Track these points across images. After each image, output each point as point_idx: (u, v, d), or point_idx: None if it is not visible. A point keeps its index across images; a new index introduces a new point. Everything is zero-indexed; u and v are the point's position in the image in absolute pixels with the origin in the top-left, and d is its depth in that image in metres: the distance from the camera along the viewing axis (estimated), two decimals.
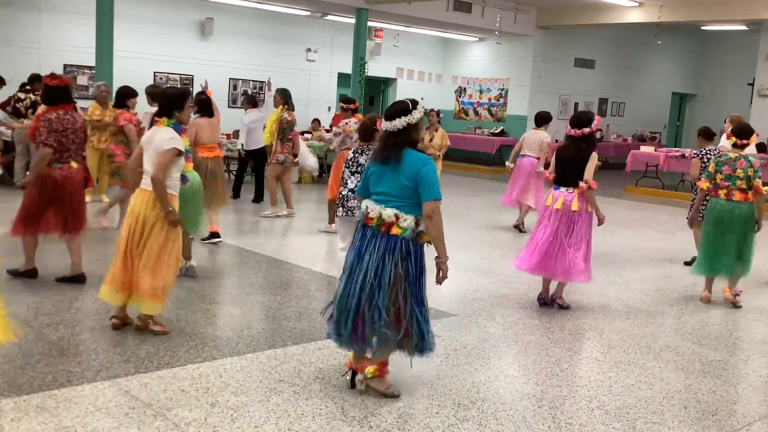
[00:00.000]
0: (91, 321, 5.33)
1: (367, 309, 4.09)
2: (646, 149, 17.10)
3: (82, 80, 15.07)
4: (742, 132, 6.68)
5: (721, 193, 6.67)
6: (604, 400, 4.41)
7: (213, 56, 16.80)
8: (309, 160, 11.39)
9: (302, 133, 11.59)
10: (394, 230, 4.10)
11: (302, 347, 5.00)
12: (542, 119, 10.14)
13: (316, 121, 15.54)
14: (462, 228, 9.92)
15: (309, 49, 18.36)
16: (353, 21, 15.82)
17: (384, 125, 4.22)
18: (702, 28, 19.82)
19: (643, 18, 16.61)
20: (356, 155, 6.08)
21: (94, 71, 12.89)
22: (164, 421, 3.77)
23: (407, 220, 4.10)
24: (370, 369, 4.24)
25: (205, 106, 8.07)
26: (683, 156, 15.30)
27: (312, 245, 8.64)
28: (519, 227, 10.18)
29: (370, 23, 16.54)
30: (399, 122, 4.15)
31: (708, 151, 8.36)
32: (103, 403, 3.93)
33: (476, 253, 8.56)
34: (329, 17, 17.56)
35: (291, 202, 10.25)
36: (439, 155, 11.63)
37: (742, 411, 4.43)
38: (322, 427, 3.82)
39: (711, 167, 6.80)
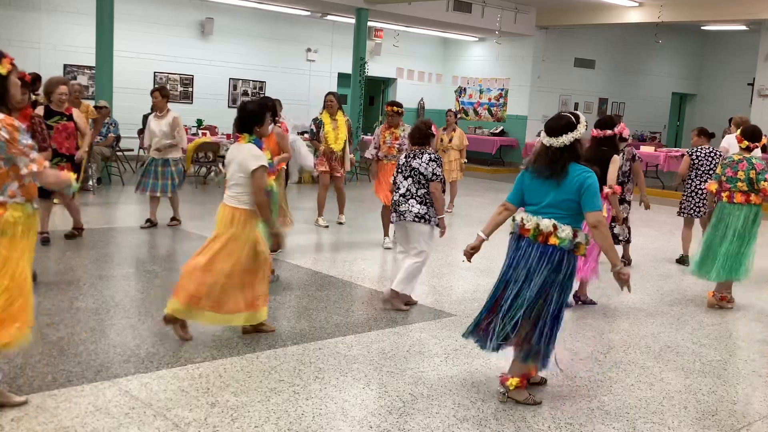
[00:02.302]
0: (91, 321, 5.33)
1: (529, 317, 4.13)
2: (646, 149, 17.10)
3: (82, 80, 15.08)
4: (753, 134, 6.65)
5: (724, 195, 6.66)
6: (604, 400, 4.41)
7: (213, 56, 16.81)
8: (308, 160, 11.37)
9: (302, 133, 11.55)
10: (552, 240, 4.11)
11: (302, 347, 5.00)
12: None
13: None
14: (462, 228, 9.91)
15: (309, 49, 18.36)
16: (353, 21, 15.82)
17: (547, 140, 4.18)
18: (702, 28, 19.81)
19: (643, 18, 16.61)
20: (409, 159, 6.01)
21: (94, 71, 12.91)
22: (164, 421, 3.77)
23: (565, 231, 4.12)
24: (512, 381, 4.27)
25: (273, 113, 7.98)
26: (683, 156, 15.29)
27: (311, 245, 8.65)
28: None
29: (370, 23, 16.54)
30: (566, 138, 4.13)
31: (699, 149, 8.44)
32: (103, 403, 3.93)
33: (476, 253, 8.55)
34: (329, 17, 17.56)
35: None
36: (462, 160, 11.50)
37: (742, 411, 4.43)
38: (322, 427, 3.82)
39: (718, 169, 6.78)
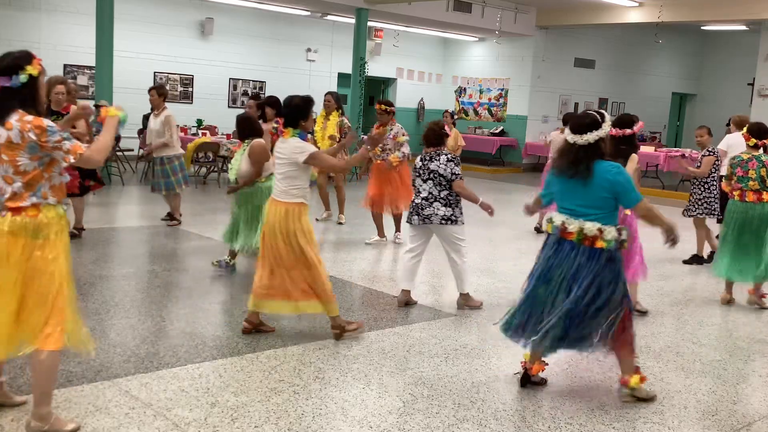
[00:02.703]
0: (91, 321, 5.33)
1: (588, 320, 4.16)
2: (646, 149, 17.09)
3: (82, 80, 15.07)
4: (760, 131, 6.64)
5: (736, 195, 6.66)
6: (604, 400, 4.41)
7: (213, 56, 16.81)
8: None
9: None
10: (599, 243, 4.14)
11: (302, 347, 5.00)
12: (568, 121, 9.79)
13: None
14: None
15: (309, 49, 18.36)
16: (353, 21, 15.82)
17: (572, 138, 4.21)
18: (702, 28, 19.81)
19: (643, 18, 16.60)
20: (426, 162, 6.01)
21: (94, 71, 12.91)
22: (164, 421, 3.77)
23: (611, 232, 4.15)
24: (635, 379, 4.31)
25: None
26: (683, 156, 15.27)
27: None
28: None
29: (370, 23, 16.54)
30: (591, 136, 4.16)
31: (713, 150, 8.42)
32: (103, 403, 3.93)
33: (476, 253, 8.55)
34: (329, 17, 17.56)
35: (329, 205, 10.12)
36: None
37: (742, 411, 4.43)
38: (322, 427, 3.82)
39: (728, 169, 6.77)
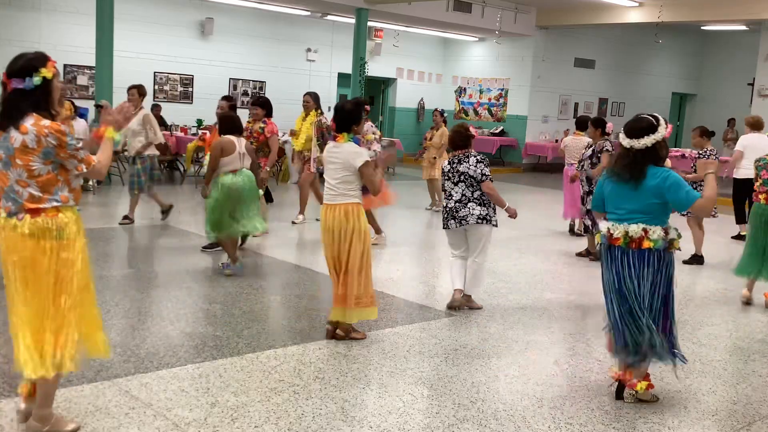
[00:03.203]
0: None
1: (656, 324, 4.20)
2: None
3: (82, 80, 15.08)
4: None
5: (761, 197, 6.64)
6: (604, 400, 4.41)
7: (213, 56, 16.81)
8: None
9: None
10: (646, 244, 4.12)
11: (302, 347, 5.00)
12: (582, 123, 9.53)
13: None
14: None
15: (309, 49, 18.36)
16: (353, 21, 15.83)
17: (627, 142, 4.19)
18: (702, 28, 19.82)
19: (643, 18, 16.60)
20: (454, 165, 6.02)
21: (94, 71, 12.91)
22: (164, 421, 3.77)
23: (657, 232, 4.14)
24: (642, 384, 4.32)
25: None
26: (683, 156, 15.29)
27: (311, 245, 8.64)
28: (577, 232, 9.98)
29: (370, 23, 16.54)
30: (648, 140, 4.14)
31: (710, 151, 8.40)
32: (103, 403, 3.93)
33: None
34: (329, 17, 17.56)
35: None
36: (438, 158, 11.48)
37: (742, 411, 4.43)
38: (322, 427, 3.82)
39: (762, 173, 6.74)
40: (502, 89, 20.11)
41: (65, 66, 14.76)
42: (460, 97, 21.15)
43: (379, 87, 20.65)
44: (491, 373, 4.74)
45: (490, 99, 20.46)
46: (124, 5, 14.39)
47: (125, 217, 9.13)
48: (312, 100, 9.55)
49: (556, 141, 14.10)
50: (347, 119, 5.10)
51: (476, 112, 20.80)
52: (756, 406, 4.52)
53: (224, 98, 9.00)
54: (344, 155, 5.04)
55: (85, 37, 13.62)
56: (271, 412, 3.95)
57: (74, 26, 14.57)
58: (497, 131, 19.78)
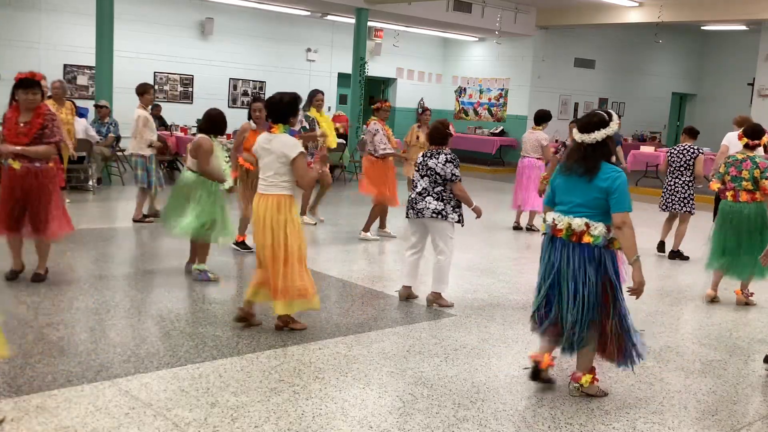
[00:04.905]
0: (91, 321, 5.33)
1: (576, 318, 4.19)
2: (646, 149, 17.10)
3: (82, 80, 15.08)
4: (754, 132, 6.69)
5: (729, 194, 6.70)
6: (604, 400, 4.41)
7: (213, 56, 16.81)
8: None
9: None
10: (586, 239, 4.14)
11: (302, 347, 5.00)
12: (540, 118, 10.03)
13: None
14: (462, 228, 9.90)
15: (309, 49, 18.36)
16: (353, 21, 15.83)
17: (579, 137, 4.23)
18: (702, 28, 19.81)
19: (643, 18, 16.61)
20: (426, 158, 6.06)
21: (94, 71, 12.91)
22: (164, 421, 3.77)
23: (598, 228, 4.14)
24: (587, 378, 4.35)
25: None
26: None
27: (310, 245, 8.65)
28: (530, 227, 10.13)
29: (370, 23, 16.55)
30: (599, 134, 4.17)
31: (674, 147, 8.78)
32: (103, 403, 3.93)
33: (476, 253, 8.56)
34: (329, 17, 17.56)
35: (316, 210, 9.96)
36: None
37: (742, 411, 4.43)
38: (322, 427, 3.82)
39: (722, 168, 6.82)
40: (502, 89, 20.11)
41: (65, 66, 14.75)
42: (460, 97, 21.15)
43: (379, 87, 20.65)
44: (491, 373, 4.74)
45: (490, 99, 20.47)
46: (124, 5, 14.39)
47: (146, 216, 9.24)
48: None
49: (556, 141, 14.13)
50: (283, 111, 5.16)
51: (476, 112, 20.81)
52: (756, 406, 4.52)
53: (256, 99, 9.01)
54: (278, 146, 5.07)
55: (85, 37, 13.62)
56: (271, 412, 3.95)
57: (74, 26, 14.57)
58: (497, 131, 19.78)
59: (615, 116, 4.28)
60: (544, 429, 3.97)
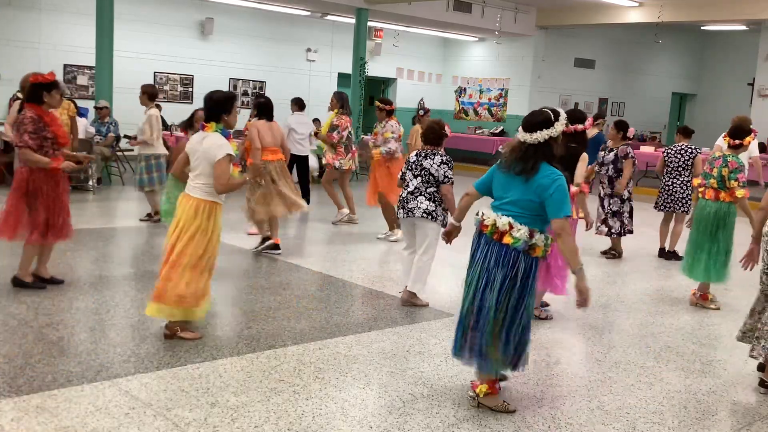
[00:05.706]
0: (91, 321, 5.33)
1: (476, 320, 4.02)
2: (646, 149, 17.10)
3: (82, 80, 15.08)
4: (736, 132, 6.62)
5: (699, 192, 6.69)
6: (604, 400, 4.41)
7: (213, 56, 16.81)
8: (309, 160, 11.39)
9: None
10: (506, 239, 3.96)
11: (302, 347, 4.99)
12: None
13: (317, 121, 15.54)
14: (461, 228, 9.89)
15: (309, 49, 18.37)
16: (353, 21, 15.83)
17: (522, 135, 4.07)
18: (702, 28, 19.82)
19: (643, 18, 16.61)
20: (420, 158, 6.03)
21: (94, 71, 12.91)
22: (164, 421, 3.77)
23: (520, 231, 3.94)
24: (482, 388, 4.15)
25: (263, 109, 7.84)
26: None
27: (311, 245, 8.65)
28: None
29: (370, 23, 16.55)
30: (539, 135, 4.00)
31: (671, 147, 8.85)
32: (103, 403, 3.93)
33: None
34: (329, 17, 17.57)
35: (353, 208, 9.90)
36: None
37: (742, 411, 4.43)
38: (322, 427, 3.82)
39: (706, 166, 6.82)
40: (502, 89, 20.11)
41: (65, 66, 14.76)
42: (460, 97, 21.15)
43: (379, 87, 20.65)
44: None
45: (490, 99, 20.46)
46: (124, 5, 14.40)
47: (150, 216, 9.25)
48: (336, 100, 9.74)
49: None
50: (216, 109, 4.89)
51: (476, 112, 20.80)
52: (756, 406, 4.52)
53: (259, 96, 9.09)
54: (207, 145, 4.80)
55: (85, 37, 13.62)
56: (271, 412, 3.95)
57: (74, 26, 14.58)
58: (497, 131, 19.77)
59: (562, 117, 4.10)
60: (544, 429, 3.97)
